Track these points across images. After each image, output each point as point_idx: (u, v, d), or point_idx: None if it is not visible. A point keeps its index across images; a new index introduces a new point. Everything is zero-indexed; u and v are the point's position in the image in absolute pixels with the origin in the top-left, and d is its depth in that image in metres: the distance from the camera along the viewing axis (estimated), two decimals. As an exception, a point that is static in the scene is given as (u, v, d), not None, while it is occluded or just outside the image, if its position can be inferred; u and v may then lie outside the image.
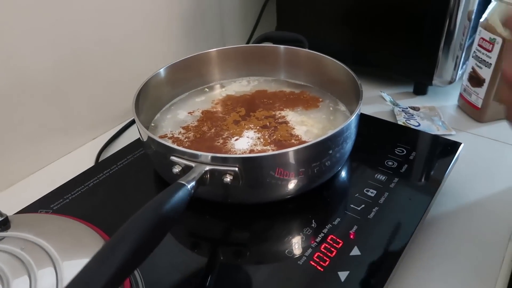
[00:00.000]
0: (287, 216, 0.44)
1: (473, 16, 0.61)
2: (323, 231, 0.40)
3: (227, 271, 0.38)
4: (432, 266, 0.42)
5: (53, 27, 0.54)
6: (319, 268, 0.37)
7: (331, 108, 0.56)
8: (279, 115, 0.53)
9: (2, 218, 0.37)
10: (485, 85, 0.61)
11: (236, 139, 0.49)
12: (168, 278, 0.38)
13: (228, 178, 0.39)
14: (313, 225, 0.41)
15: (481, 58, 0.60)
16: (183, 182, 0.36)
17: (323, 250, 0.38)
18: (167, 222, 0.32)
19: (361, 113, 0.47)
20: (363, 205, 0.43)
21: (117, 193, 0.48)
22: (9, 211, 0.39)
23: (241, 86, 0.62)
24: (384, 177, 0.46)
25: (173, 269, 0.38)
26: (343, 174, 0.49)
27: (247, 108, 0.55)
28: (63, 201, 0.46)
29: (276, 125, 0.51)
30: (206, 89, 0.62)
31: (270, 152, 0.41)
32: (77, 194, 0.48)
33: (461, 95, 0.67)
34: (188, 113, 0.56)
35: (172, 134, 0.52)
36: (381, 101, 0.70)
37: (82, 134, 0.64)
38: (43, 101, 0.57)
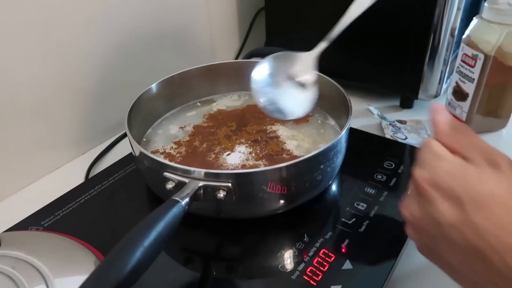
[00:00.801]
0: (279, 231, 0.44)
1: (456, 33, 0.63)
2: (315, 245, 0.41)
3: (220, 287, 0.38)
4: (423, 279, 0.43)
5: (42, 42, 0.54)
6: (312, 282, 0.37)
7: (319, 122, 0.57)
8: (270, 130, 0.54)
9: (-8, 237, 0.36)
10: (469, 99, 0.62)
11: (228, 154, 0.49)
12: (161, 294, 0.37)
13: (221, 194, 0.39)
14: (305, 239, 0.42)
15: (464, 73, 0.62)
16: (177, 199, 0.36)
17: (315, 264, 0.39)
18: (163, 239, 0.32)
19: (350, 127, 0.48)
20: (354, 219, 0.44)
21: (109, 209, 0.47)
22: (-1, 229, 0.38)
23: (232, 100, 0.63)
24: (373, 191, 0.47)
25: (165, 285, 0.38)
26: (334, 188, 0.49)
27: (238, 123, 0.56)
28: (54, 218, 0.46)
29: (267, 139, 0.52)
30: (198, 103, 0.62)
31: (263, 168, 0.41)
32: (68, 210, 0.47)
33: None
34: (180, 128, 0.56)
35: (164, 149, 0.52)
36: (368, 115, 0.71)
37: (72, 148, 0.63)
38: (32, 116, 0.56)
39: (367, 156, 0.54)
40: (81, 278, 0.28)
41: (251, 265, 0.41)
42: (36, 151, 0.58)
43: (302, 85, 0.46)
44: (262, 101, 0.45)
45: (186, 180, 0.39)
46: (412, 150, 0.55)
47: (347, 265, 0.39)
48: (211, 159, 0.49)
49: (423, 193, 0.28)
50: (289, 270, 0.39)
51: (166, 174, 0.41)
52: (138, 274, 0.30)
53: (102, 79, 0.64)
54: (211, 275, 0.40)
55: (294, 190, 0.43)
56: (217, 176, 0.39)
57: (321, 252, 0.40)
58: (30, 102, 0.55)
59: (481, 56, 0.59)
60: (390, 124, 0.67)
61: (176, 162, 0.48)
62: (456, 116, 0.65)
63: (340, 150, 0.46)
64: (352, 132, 0.48)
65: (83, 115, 0.63)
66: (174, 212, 0.34)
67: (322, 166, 0.43)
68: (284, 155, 0.49)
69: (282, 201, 0.43)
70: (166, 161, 0.41)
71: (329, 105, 0.57)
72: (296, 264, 0.39)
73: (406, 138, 0.63)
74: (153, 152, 0.51)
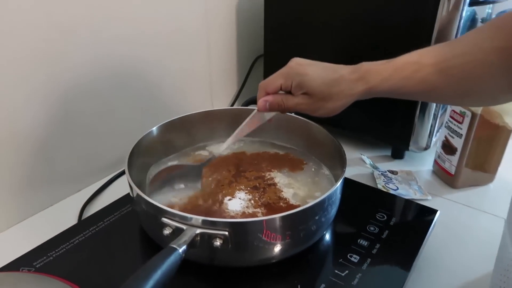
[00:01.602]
0: (273, 281, 0.44)
1: (445, 90, 0.67)
2: (308, 297, 0.41)
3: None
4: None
5: (46, 83, 0.56)
6: (305, 336, 0.37)
7: (313, 170, 0.58)
8: (268, 177, 0.55)
9: (-15, 279, 0.36)
10: (458, 153, 0.65)
11: (229, 199, 0.50)
12: None
13: (218, 242, 0.39)
14: (299, 290, 0.42)
15: (453, 129, 0.65)
16: (174, 246, 0.36)
17: (309, 317, 0.39)
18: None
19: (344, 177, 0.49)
20: (347, 271, 0.44)
21: (103, 252, 0.47)
22: (-9, 269, 0.38)
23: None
24: (366, 243, 0.48)
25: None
26: (328, 237, 0.50)
27: (236, 168, 0.57)
28: (46, 259, 0.46)
29: (265, 186, 0.53)
30: (196, 149, 0.64)
31: (260, 218, 0.42)
32: (62, 251, 0.47)
33: (435, 161, 0.71)
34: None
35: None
36: (361, 163, 0.73)
37: (67, 185, 0.64)
38: (30, 153, 0.57)
39: (359, 206, 0.55)
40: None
41: (244, 316, 0.40)
42: (32, 187, 0.58)
43: None
44: None
45: (184, 227, 0.40)
46: (403, 203, 0.57)
47: (340, 319, 0.39)
48: (215, 207, 0.49)
49: None
50: (282, 322, 0.39)
51: (164, 219, 0.41)
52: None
53: (102, 118, 0.65)
54: (203, 325, 0.39)
55: (289, 240, 0.43)
56: (214, 224, 0.40)
57: (315, 304, 0.40)
58: (29, 140, 0.56)
59: (469, 114, 0.62)
60: (382, 174, 0.69)
61: (178, 205, 0.49)
62: (446, 169, 0.68)
63: (335, 201, 0.47)
64: (346, 181, 0.49)
65: (81, 153, 0.64)
66: (171, 260, 0.35)
67: (317, 217, 0.44)
68: (281, 204, 0.50)
69: (277, 251, 0.44)
70: (165, 207, 0.42)
71: (324, 154, 0.59)
72: (289, 316, 0.39)
73: (397, 188, 0.65)
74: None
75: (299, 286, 0.42)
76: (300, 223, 0.43)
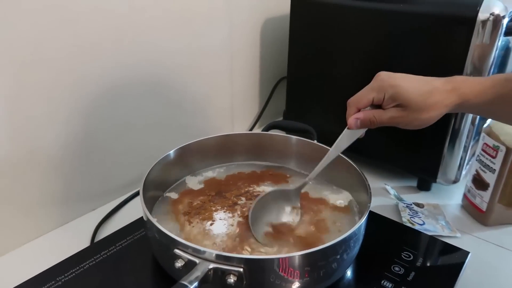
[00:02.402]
0: (290, 322, 0.41)
1: (476, 122, 0.63)
2: None
3: None
4: None
5: (67, 103, 0.56)
6: None
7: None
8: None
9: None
10: (490, 189, 0.61)
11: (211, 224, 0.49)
12: None
13: (232, 279, 0.37)
14: (316, 335, 0.39)
15: (485, 163, 0.61)
16: (185, 283, 0.34)
17: None
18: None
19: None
20: (369, 316, 0.41)
21: (113, 280, 0.46)
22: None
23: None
24: (391, 285, 0.45)
25: None
26: (349, 276, 0.47)
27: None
28: (55, 284, 0.44)
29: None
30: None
31: (278, 255, 0.40)
32: (71, 276, 0.46)
33: (465, 196, 0.67)
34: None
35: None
36: (385, 193, 0.70)
37: (82, 204, 0.63)
38: (49, 172, 0.56)
39: (384, 243, 0.52)
40: None
41: None
42: (46, 204, 0.58)
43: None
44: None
45: (197, 261, 0.38)
46: (431, 241, 0.53)
47: None
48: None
49: None
50: None
51: (177, 251, 0.39)
52: None
53: (120, 138, 0.65)
54: None
55: (307, 278, 0.41)
56: (229, 260, 0.38)
57: None
58: (47, 158, 0.56)
59: (503, 148, 0.58)
60: (407, 206, 0.65)
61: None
62: (476, 205, 0.64)
63: (358, 237, 0.44)
64: (369, 215, 0.47)
65: (98, 171, 0.63)
66: (182, 299, 0.33)
67: (338, 255, 0.41)
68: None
69: (294, 289, 0.41)
70: (178, 238, 0.40)
71: (346, 185, 0.56)
72: None
73: (423, 223, 0.61)
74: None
75: (317, 330, 0.40)
76: (320, 261, 0.40)
